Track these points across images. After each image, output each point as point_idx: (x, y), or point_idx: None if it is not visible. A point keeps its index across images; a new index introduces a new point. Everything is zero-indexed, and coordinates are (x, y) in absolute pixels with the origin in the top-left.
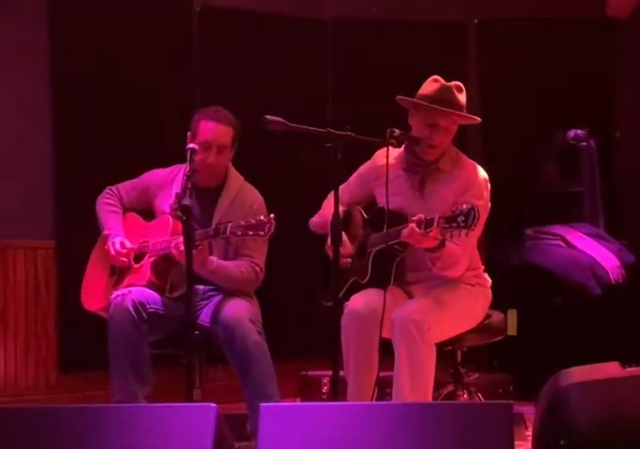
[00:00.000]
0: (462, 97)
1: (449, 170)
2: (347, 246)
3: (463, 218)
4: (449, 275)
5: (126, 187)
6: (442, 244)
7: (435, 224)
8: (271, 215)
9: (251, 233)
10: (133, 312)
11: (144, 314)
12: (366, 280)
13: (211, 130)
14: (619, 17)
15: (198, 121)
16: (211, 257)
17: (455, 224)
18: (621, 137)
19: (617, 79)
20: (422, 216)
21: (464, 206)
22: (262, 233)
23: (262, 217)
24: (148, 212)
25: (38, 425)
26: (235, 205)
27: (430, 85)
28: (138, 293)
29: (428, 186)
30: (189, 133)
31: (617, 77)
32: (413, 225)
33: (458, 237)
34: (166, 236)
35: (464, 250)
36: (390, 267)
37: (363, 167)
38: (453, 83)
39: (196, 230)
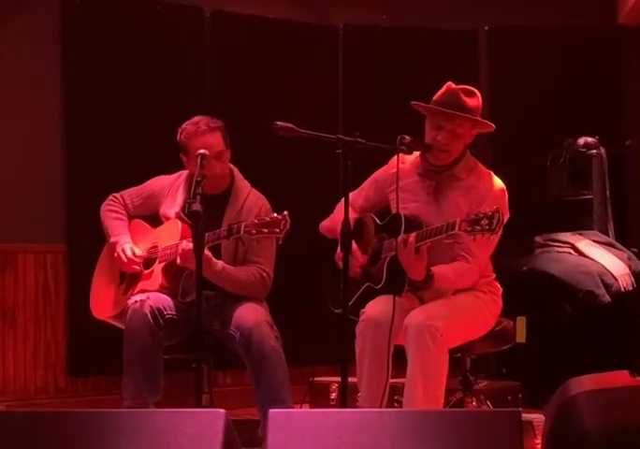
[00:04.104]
0: (471, 101)
1: (465, 178)
2: (357, 256)
3: (487, 221)
4: (457, 288)
5: (131, 194)
6: (429, 278)
7: (457, 227)
8: (285, 212)
9: (266, 231)
10: (150, 319)
11: (161, 321)
12: (381, 285)
13: (201, 145)
14: (630, 25)
15: (186, 141)
16: (217, 260)
17: (478, 228)
18: (632, 144)
19: (628, 87)
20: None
21: (487, 209)
22: (278, 230)
23: (275, 214)
24: (153, 219)
25: (47, 429)
26: (243, 212)
27: (441, 90)
28: (155, 299)
29: (442, 192)
30: (182, 156)
31: (628, 84)
32: (407, 238)
33: (481, 239)
34: (175, 240)
35: (477, 261)
36: (405, 273)
37: (378, 173)
38: (460, 87)
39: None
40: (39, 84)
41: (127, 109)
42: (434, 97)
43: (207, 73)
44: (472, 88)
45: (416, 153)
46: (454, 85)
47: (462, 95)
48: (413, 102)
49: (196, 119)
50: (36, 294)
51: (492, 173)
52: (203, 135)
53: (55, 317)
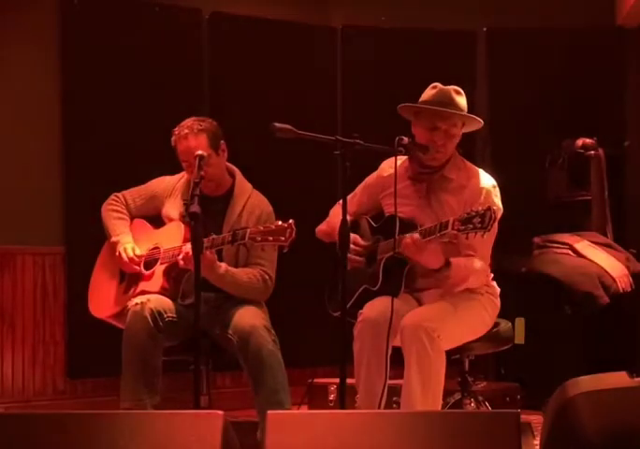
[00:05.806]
0: (462, 100)
1: (455, 178)
2: (358, 242)
3: (479, 219)
4: (468, 286)
5: (133, 193)
6: (447, 264)
7: (450, 226)
8: (290, 220)
9: (271, 238)
10: (150, 322)
11: (161, 324)
12: (377, 287)
13: (184, 150)
14: (630, 25)
15: (174, 145)
16: (220, 263)
17: (471, 226)
18: (630, 145)
19: (626, 88)
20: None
21: (479, 207)
22: (283, 238)
23: (281, 222)
24: (155, 219)
25: (46, 431)
26: (245, 214)
27: (429, 91)
28: (156, 301)
29: (434, 194)
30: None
31: (626, 85)
32: (414, 236)
33: (474, 238)
34: (178, 242)
35: (480, 257)
36: (401, 274)
37: (369, 179)
38: (451, 87)
39: (207, 237)
40: (38, 85)
41: (126, 111)
42: (423, 99)
43: (205, 74)
44: (458, 87)
45: (403, 158)
46: (440, 85)
47: (454, 94)
48: (403, 104)
49: (183, 122)
50: (35, 296)
51: (480, 170)
52: (185, 139)
53: (54, 319)
